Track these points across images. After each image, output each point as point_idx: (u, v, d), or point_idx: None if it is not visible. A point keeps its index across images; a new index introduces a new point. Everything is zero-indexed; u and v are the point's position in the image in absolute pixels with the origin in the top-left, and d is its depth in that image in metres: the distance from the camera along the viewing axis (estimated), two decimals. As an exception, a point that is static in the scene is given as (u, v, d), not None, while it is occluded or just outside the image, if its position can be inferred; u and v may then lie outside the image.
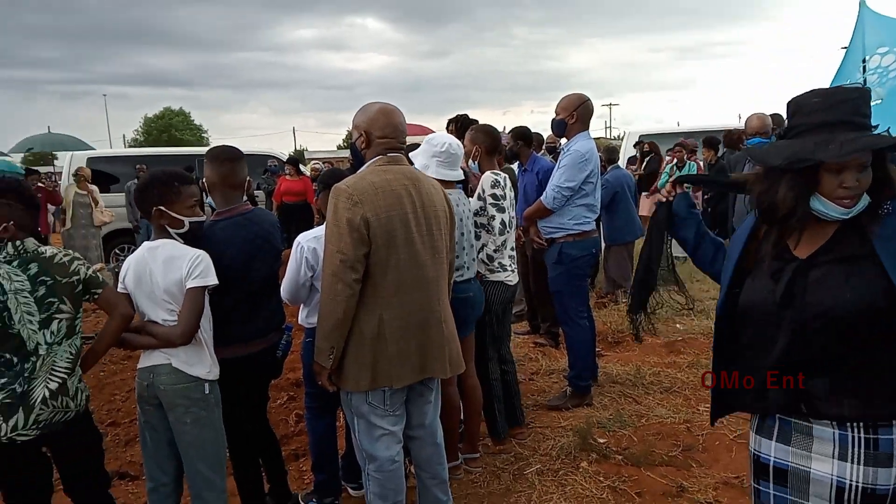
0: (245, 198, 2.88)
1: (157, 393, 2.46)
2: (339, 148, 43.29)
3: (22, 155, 12.07)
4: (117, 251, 10.71)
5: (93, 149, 10.62)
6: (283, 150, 13.54)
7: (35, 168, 11.97)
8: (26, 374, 2.26)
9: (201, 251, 2.46)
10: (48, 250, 2.36)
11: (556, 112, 4.27)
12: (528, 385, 4.78)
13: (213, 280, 2.45)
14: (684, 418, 4.07)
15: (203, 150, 13.31)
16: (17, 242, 2.29)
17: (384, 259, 2.48)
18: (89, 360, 2.47)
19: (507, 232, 3.65)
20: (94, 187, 9.83)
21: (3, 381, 2.23)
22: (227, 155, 2.80)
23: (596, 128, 58.58)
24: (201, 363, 2.49)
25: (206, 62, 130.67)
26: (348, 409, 2.65)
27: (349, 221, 2.41)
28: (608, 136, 46.31)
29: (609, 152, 7.53)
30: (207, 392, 2.49)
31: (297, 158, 11.65)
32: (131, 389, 4.94)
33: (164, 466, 2.57)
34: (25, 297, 2.24)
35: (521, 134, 5.60)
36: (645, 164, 10.69)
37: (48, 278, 2.29)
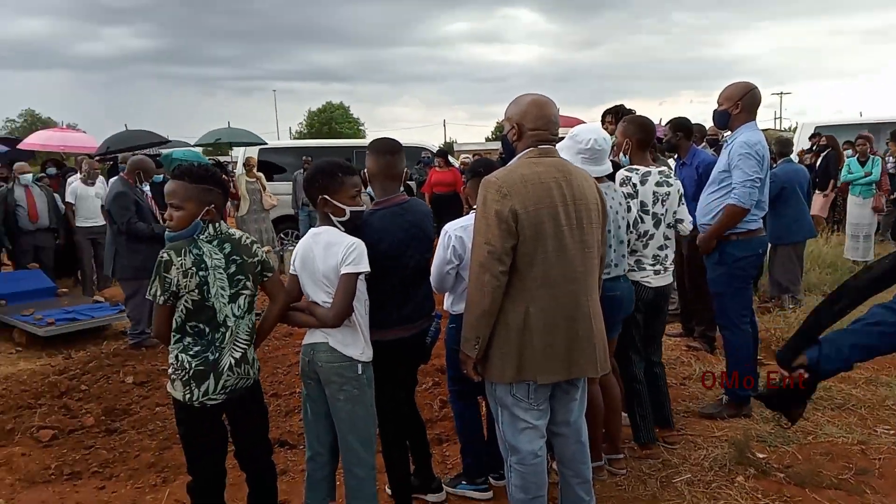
0: (402, 188, 2.98)
1: (315, 369, 2.64)
2: (488, 140, 43.68)
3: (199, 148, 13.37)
4: (282, 236, 11.57)
5: (265, 143, 11.51)
6: (434, 143, 13.91)
7: (216, 159, 13.21)
8: (217, 344, 2.51)
9: (357, 239, 2.58)
10: (236, 232, 2.63)
11: (718, 102, 4.00)
12: (678, 390, 4.55)
13: (365, 268, 2.56)
14: (858, 439, 3.68)
15: (360, 142, 14.03)
16: (217, 224, 2.55)
17: (531, 252, 2.46)
18: (258, 338, 2.71)
19: (652, 230, 3.49)
20: (261, 174, 10.70)
21: (197, 349, 2.50)
22: (388, 147, 2.91)
23: (764, 118, 54.38)
24: (355, 344, 2.62)
25: (364, 58, 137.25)
26: (492, 399, 2.67)
27: (497, 213, 2.42)
28: (777, 128, 42.77)
29: (782, 145, 6.86)
30: (360, 372, 2.62)
31: (447, 150, 11.92)
32: (292, 364, 5.34)
33: (322, 438, 2.74)
34: (220, 273, 2.50)
35: (681, 125, 5.30)
36: (820, 159, 9.75)
37: (238, 257, 2.55)
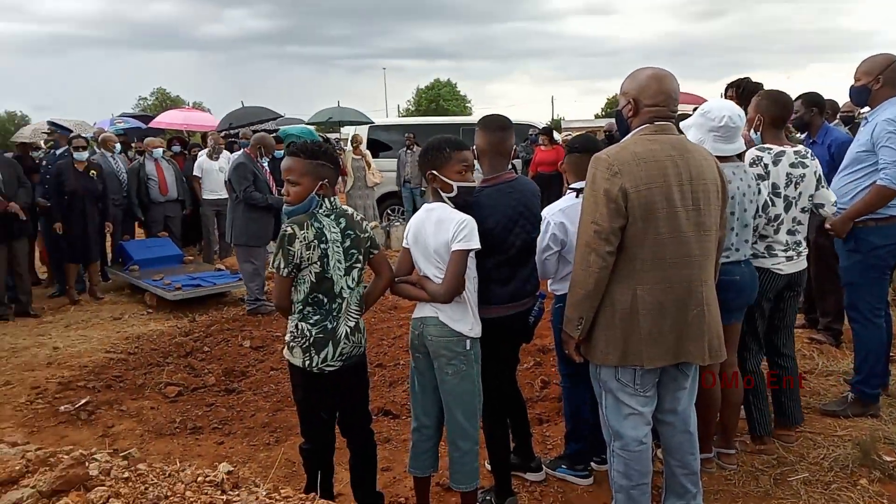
0: (511, 166, 2.95)
1: (425, 342, 2.68)
2: (597, 117, 42.47)
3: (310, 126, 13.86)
4: (389, 212, 11.82)
5: (372, 122, 11.76)
6: (541, 120, 13.67)
7: (326, 136, 13.63)
8: (334, 314, 2.62)
9: (468, 216, 2.58)
10: (348, 208, 2.72)
11: (856, 77, 3.65)
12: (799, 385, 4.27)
13: (475, 244, 2.56)
14: None
15: (467, 119, 14.02)
16: (332, 198, 2.65)
17: (641, 232, 2.37)
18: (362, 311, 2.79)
19: (783, 214, 3.25)
20: (367, 151, 10.94)
21: (316, 318, 2.61)
22: (498, 123, 2.88)
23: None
24: (464, 320, 2.64)
25: (472, 34, 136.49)
26: (596, 381, 2.61)
27: (606, 192, 2.35)
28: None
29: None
30: (468, 348, 2.64)
31: (552, 128, 11.66)
32: (396, 336, 5.48)
33: (428, 410, 2.79)
34: (338, 247, 2.61)
35: (814, 100, 4.88)
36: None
37: (352, 232, 2.65)
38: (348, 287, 2.64)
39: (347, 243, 2.62)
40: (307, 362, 2.62)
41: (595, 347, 2.51)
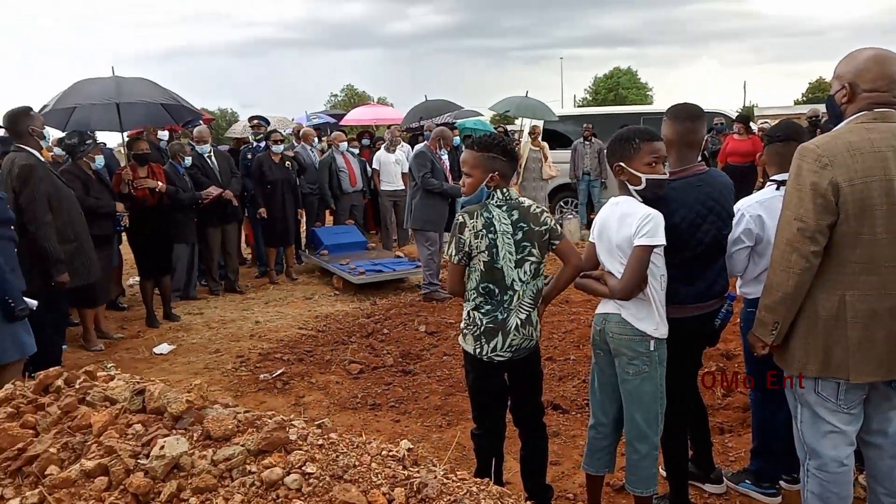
0: (700, 157, 2.78)
1: (606, 339, 2.62)
2: (797, 103, 38.62)
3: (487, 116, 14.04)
4: (562, 204, 11.68)
5: (555, 116, 11.61)
6: (730, 108, 12.73)
7: (504, 127, 13.77)
8: (505, 305, 2.65)
9: (653, 211, 2.47)
10: (525, 201, 2.71)
11: None
12: None
13: (659, 241, 2.44)
14: None
15: (648, 108, 13.43)
16: (504, 190, 2.66)
17: (854, 231, 2.14)
18: (544, 302, 2.78)
19: None
20: (545, 144, 10.85)
21: (488, 308, 2.66)
22: (688, 113, 2.73)
23: None
24: (648, 319, 2.54)
25: (655, 18, 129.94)
26: (791, 393, 2.40)
27: (814, 186, 2.14)
28: None
29: None
30: (652, 349, 2.54)
31: (747, 116, 10.81)
32: (567, 331, 5.42)
33: (606, 408, 2.73)
34: (508, 238, 2.61)
35: None
36: None
37: (525, 225, 2.63)
38: (520, 280, 2.63)
39: (519, 235, 2.61)
40: (478, 350, 2.68)
41: (791, 356, 2.31)
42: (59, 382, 2.24)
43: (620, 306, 2.55)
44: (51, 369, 2.31)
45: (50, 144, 5.84)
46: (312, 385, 4.69)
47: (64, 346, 5.15)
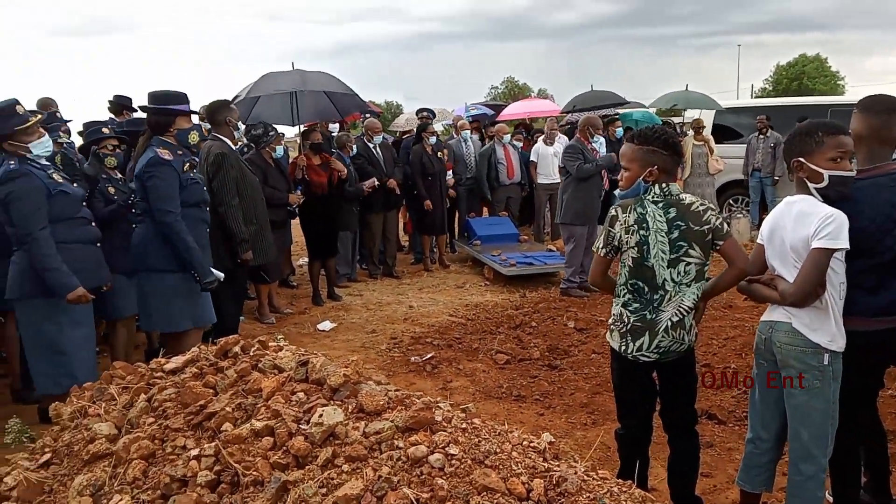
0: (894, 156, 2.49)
1: (773, 349, 2.43)
2: None
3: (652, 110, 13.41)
4: (731, 202, 10.94)
5: (720, 107, 10.89)
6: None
7: (670, 120, 13.13)
8: (655, 305, 2.55)
9: (836, 211, 2.25)
10: (687, 198, 2.56)
11: None
12: None
13: (842, 244, 2.22)
14: None
15: (838, 99, 12.17)
16: (663, 185, 2.54)
17: None
18: (706, 297, 2.63)
19: None
20: (710, 137, 10.20)
21: (636, 306, 2.59)
22: (884, 105, 2.45)
23: None
24: (824, 330, 2.32)
25: (849, 0, 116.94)
26: None
27: None
28: None
29: None
30: (826, 362, 2.33)
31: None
32: (728, 338, 5.09)
33: (766, 422, 2.55)
34: (662, 236, 2.50)
35: None
36: None
37: (682, 223, 2.49)
38: (672, 280, 2.51)
39: (675, 234, 2.48)
40: (623, 347, 2.61)
41: None
42: (237, 349, 2.49)
43: (791, 314, 2.35)
44: (230, 337, 2.58)
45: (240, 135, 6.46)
46: (460, 371, 4.81)
47: (241, 318, 5.68)
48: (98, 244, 3.67)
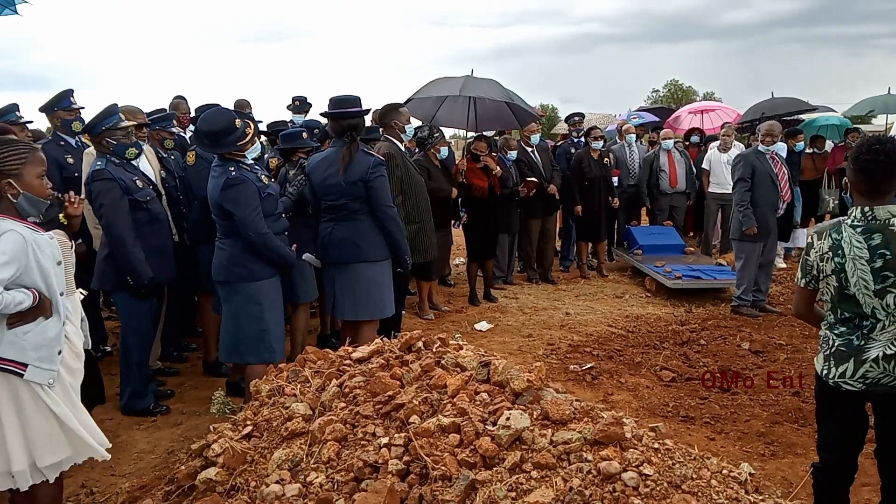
0: None
1: None
2: None
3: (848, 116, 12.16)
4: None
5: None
6: None
7: (856, 127, 11.91)
8: (864, 332, 2.31)
9: None
10: None
11: None
12: None
13: None
14: None
15: None
16: (865, 208, 2.28)
17: None
18: None
19: None
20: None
21: (842, 329, 2.37)
22: None
23: None
24: None
25: None
26: None
27: None
28: None
29: None
30: None
31: None
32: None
33: None
34: (861, 265, 2.25)
35: None
36: None
37: (887, 252, 2.22)
38: (884, 309, 2.25)
39: (878, 263, 2.21)
40: (824, 371, 2.41)
41: None
42: (419, 344, 2.58)
43: None
44: (413, 332, 2.67)
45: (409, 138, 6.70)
46: (621, 385, 4.65)
47: (402, 312, 5.90)
48: (286, 233, 3.97)
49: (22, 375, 2.18)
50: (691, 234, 9.58)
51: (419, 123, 6.99)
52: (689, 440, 3.79)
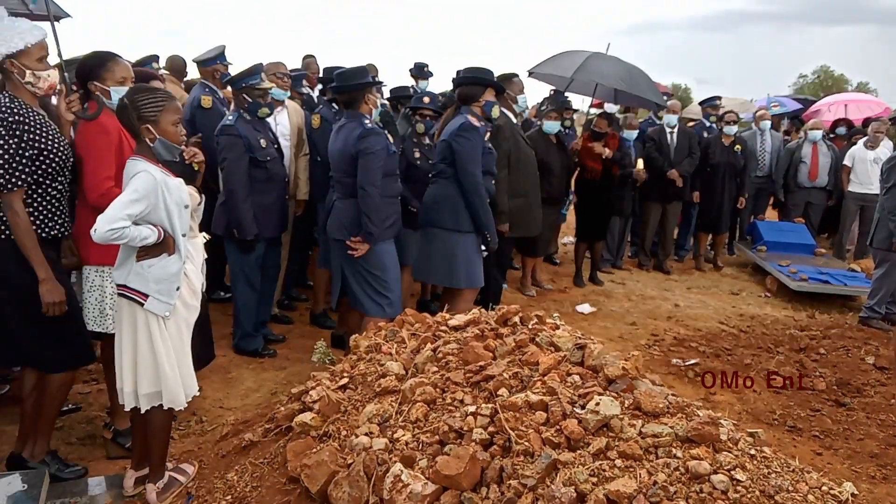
0: None
1: None
2: None
3: None
4: None
5: None
6: None
7: None
8: None
9: None
10: None
11: None
12: None
13: None
14: None
15: None
16: None
17: None
18: None
19: None
20: None
21: None
22: None
23: None
24: None
25: None
26: None
27: None
28: None
29: None
30: None
31: None
32: None
33: None
34: None
35: None
36: None
37: None
38: None
39: None
40: None
41: None
42: (516, 319, 2.58)
43: None
44: (511, 306, 2.68)
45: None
46: (726, 385, 4.44)
47: (504, 286, 5.90)
48: (399, 197, 4.05)
49: (143, 305, 2.37)
50: (824, 234, 8.88)
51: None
52: (793, 452, 3.57)
